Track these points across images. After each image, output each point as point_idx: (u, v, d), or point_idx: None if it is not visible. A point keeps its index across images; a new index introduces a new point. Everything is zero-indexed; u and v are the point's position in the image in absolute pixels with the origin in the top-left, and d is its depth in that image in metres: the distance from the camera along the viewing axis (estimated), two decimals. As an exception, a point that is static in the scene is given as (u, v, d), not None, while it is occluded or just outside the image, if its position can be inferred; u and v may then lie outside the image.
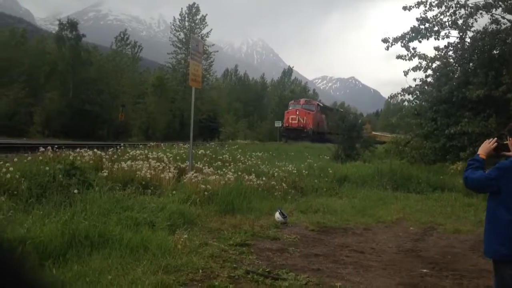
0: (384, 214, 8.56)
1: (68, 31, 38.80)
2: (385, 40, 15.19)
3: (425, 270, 5.14)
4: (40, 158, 7.55)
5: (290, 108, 42.76)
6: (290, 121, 40.49)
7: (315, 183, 11.41)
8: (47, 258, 3.98)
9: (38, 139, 28.61)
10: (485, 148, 3.10)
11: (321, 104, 46.38)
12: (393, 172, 12.77)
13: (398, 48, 15.41)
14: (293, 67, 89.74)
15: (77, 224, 4.68)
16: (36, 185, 6.00)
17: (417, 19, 14.92)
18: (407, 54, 15.17)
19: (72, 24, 38.96)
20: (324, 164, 15.11)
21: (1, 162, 6.55)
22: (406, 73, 15.40)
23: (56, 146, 8.95)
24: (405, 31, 15.10)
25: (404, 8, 15.05)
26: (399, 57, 15.21)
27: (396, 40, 15.02)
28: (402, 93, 15.86)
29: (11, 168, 6.01)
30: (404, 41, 14.99)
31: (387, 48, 15.28)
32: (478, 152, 3.13)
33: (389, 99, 19.28)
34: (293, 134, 38.46)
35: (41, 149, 8.40)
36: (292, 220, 7.45)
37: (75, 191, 6.09)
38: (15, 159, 7.03)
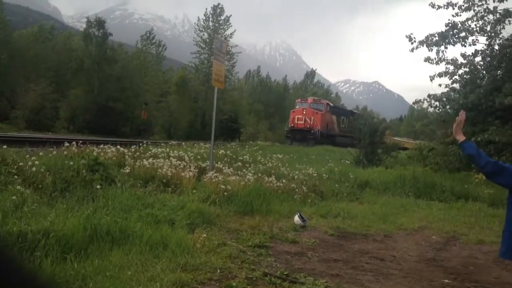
0: (406, 221, 8.43)
1: (95, 29, 39.43)
2: (409, 38, 14.92)
3: (446, 281, 5.03)
4: (65, 153, 7.70)
5: (297, 107, 39.31)
6: (296, 121, 37.02)
7: (336, 188, 11.33)
8: (69, 251, 4.04)
9: (63, 134, 29.19)
10: None
11: (331, 104, 42.84)
12: (416, 179, 12.59)
13: (424, 53, 15.18)
14: (316, 69, 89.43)
15: (99, 219, 4.73)
16: (60, 179, 6.10)
17: (446, 25, 14.67)
18: (435, 58, 14.92)
19: (99, 22, 39.60)
20: (345, 168, 14.98)
21: (28, 156, 6.69)
22: (432, 78, 15.15)
23: (80, 141, 9.10)
24: (431, 33, 14.84)
25: (432, 5, 14.74)
26: (427, 59, 14.95)
27: (422, 42, 14.77)
28: (427, 99, 15.60)
29: (36, 162, 6.12)
30: (429, 43, 14.72)
31: (412, 50, 15.04)
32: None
33: (413, 105, 19.04)
34: (299, 136, 35.51)
35: (66, 144, 8.56)
36: (311, 224, 7.40)
37: (98, 186, 6.17)
38: (41, 153, 7.16)
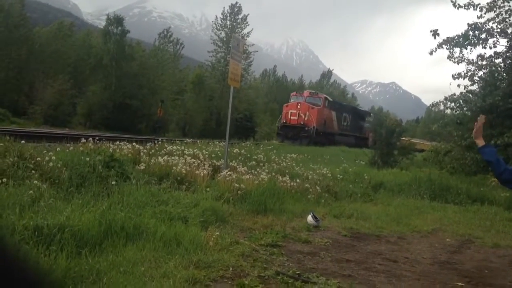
0: (420, 223, 8.35)
1: (114, 27, 39.85)
2: (434, 33, 14.71)
3: (460, 284, 4.98)
4: (81, 149, 7.80)
5: (291, 101, 34.79)
6: (289, 117, 32.92)
7: (350, 188, 11.27)
8: (84, 246, 4.10)
9: (80, 130, 29.57)
10: None
11: (330, 99, 38.15)
12: (431, 181, 12.45)
13: (444, 54, 15.00)
14: (332, 69, 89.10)
15: (114, 215, 4.79)
16: (76, 174, 6.18)
17: (469, 25, 14.45)
18: (457, 56, 14.74)
19: (118, 20, 40.04)
20: (360, 169, 14.89)
21: (45, 151, 6.79)
22: (455, 77, 14.94)
23: (97, 138, 9.22)
24: (454, 34, 14.65)
25: (454, 4, 14.56)
26: (450, 56, 14.76)
27: (444, 42, 14.58)
28: (444, 101, 15.42)
29: (53, 157, 6.22)
30: (452, 43, 14.54)
31: (435, 50, 14.84)
32: None
33: (430, 107, 18.84)
34: (291, 133, 31.71)
35: (83, 140, 8.68)
36: (324, 224, 7.38)
37: (113, 182, 6.25)
38: (58, 149, 7.28)
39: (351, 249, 6.07)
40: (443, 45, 14.70)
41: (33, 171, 5.75)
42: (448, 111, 16.39)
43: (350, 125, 39.73)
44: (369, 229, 7.41)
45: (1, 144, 6.16)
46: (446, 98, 15.32)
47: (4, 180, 5.12)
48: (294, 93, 37.45)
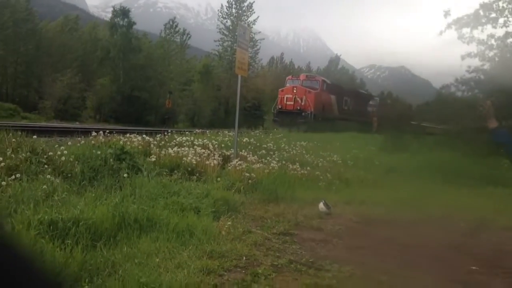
0: (433, 208, 8.30)
1: (120, 18, 39.83)
2: (446, 13, 14.53)
3: (474, 267, 4.96)
4: (93, 142, 7.85)
5: (287, 85, 32.97)
6: (285, 102, 31.36)
7: (361, 174, 11.24)
8: (98, 239, 4.15)
9: (90, 123, 29.76)
10: None
11: (329, 82, 35.93)
12: (443, 165, 12.38)
13: (453, 35, 14.84)
14: (340, 55, 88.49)
15: (127, 207, 4.83)
16: (88, 168, 6.23)
17: (481, 5, 14.23)
18: (467, 36, 14.57)
19: (124, 12, 39.99)
20: (370, 155, 14.84)
21: (57, 146, 6.85)
22: (464, 57, 14.78)
23: (107, 131, 9.27)
24: (463, 15, 14.47)
25: None
26: (460, 37, 14.60)
27: (455, 22, 14.39)
28: (455, 83, 15.26)
29: (65, 152, 6.26)
30: (461, 25, 14.35)
31: (443, 31, 14.66)
32: None
33: (441, 89, 18.61)
34: (288, 119, 29.91)
35: (93, 133, 8.73)
36: (336, 211, 7.37)
37: (125, 175, 6.29)
38: (69, 143, 7.33)
39: (363, 235, 6.07)
40: (452, 26, 14.53)
41: (45, 166, 5.80)
42: (459, 93, 16.22)
43: (352, 109, 38.09)
44: (381, 215, 7.39)
45: (14, 139, 6.22)
46: (457, 80, 15.16)
47: (18, 175, 5.18)
48: (290, 76, 35.82)
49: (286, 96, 31.43)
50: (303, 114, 30.00)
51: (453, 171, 12.02)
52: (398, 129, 18.68)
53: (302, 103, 30.33)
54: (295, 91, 30.88)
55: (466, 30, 14.44)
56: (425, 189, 10.48)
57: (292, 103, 30.63)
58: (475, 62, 15.08)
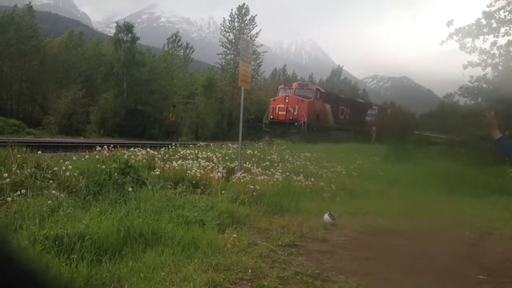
0: (438, 217, 8.27)
1: (123, 34, 40.18)
2: (449, 23, 14.60)
3: (481, 277, 4.93)
4: (97, 157, 7.89)
5: (279, 94, 31.61)
6: (277, 112, 29.86)
7: (365, 185, 11.22)
8: (104, 253, 4.15)
9: (94, 138, 29.87)
10: None
11: (322, 90, 34.30)
12: (447, 175, 12.35)
13: (455, 44, 14.89)
14: (342, 66, 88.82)
15: (132, 221, 4.84)
16: (93, 182, 6.25)
17: (483, 13, 14.30)
18: (469, 46, 14.62)
19: (127, 27, 40.34)
20: (374, 165, 14.82)
21: (61, 161, 6.89)
22: (466, 67, 14.81)
23: (111, 145, 9.31)
24: (465, 25, 14.53)
25: None
26: (462, 47, 14.64)
27: (457, 32, 14.46)
28: (458, 92, 15.28)
29: (70, 166, 6.30)
30: (463, 34, 14.41)
31: (444, 41, 14.71)
32: None
33: (444, 98, 18.57)
34: (280, 130, 28.52)
35: (98, 148, 8.77)
36: (341, 222, 7.35)
37: (130, 189, 6.30)
38: (74, 158, 7.36)
39: (369, 246, 6.04)
40: (454, 36, 14.60)
41: (50, 181, 5.83)
42: (462, 102, 16.24)
43: (349, 118, 36.92)
44: (386, 226, 7.36)
45: (19, 155, 6.27)
46: (461, 88, 15.16)
47: (23, 191, 5.20)
48: (282, 85, 34.47)
49: (278, 106, 30.19)
50: (295, 124, 28.72)
51: (457, 181, 11.99)
52: (402, 139, 18.65)
53: (295, 113, 29.05)
54: (287, 100, 29.57)
55: (467, 40, 14.51)
56: (430, 199, 10.44)
57: (284, 113, 29.35)
58: (478, 71, 15.12)
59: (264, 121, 30.19)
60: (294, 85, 32.62)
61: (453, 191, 11.53)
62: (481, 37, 14.53)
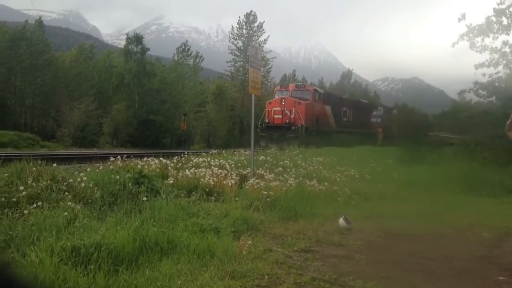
0: (455, 219, 8.17)
1: (134, 45, 40.57)
2: (462, 17, 14.44)
3: (501, 278, 4.84)
4: (111, 167, 7.95)
5: (275, 96, 29.79)
6: (273, 115, 28.21)
7: (379, 188, 11.13)
8: (120, 263, 4.16)
9: (108, 149, 30.12)
10: None
11: (321, 91, 32.48)
12: (463, 175, 12.20)
13: (466, 44, 14.75)
14: (352, 69, 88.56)
15: (147, 230, 4.86)
16: (108, 193, 6.30)
17: (494, 10, 14.14)
18: (479, 46, 14.45)
19: (137, 39, 40.73)
20: (388, 168, 14.71)
21: (76, 172, 6.95)
22: (477, 67, 14.65)
23: (125, 155, 9.38)
24: (475, 24, 14.38)
25: None
26: (471, 46, 14.48)
27: (468, 31, 14.30)
28: (474, 87, 15.06)
29: (85, 178, 6.35)
30: (474, 34, 14.26)
31: (456, 43, 14.57)
32: None
33: (458, 95, 18.25)
34: (276, 134, 27.25)
35: (111, 158, 8.84)
36: (356, 226, 7.29)
37: (144, 198, 6.34)
38: (88, 169, 7.44)
39: (386, 250, 5.98)
40: (465, 37, 14.46)
41: (66, 193, 5.88)
42: (475, 100, 16.03)
43: (352, 120, 35.28)
44: (402, 228, 7.29)
45: (34, 168, 6.33)
46: (476, 83, 14.94)
47: (39, 203, 5.26)
48: (278, 87, 32.81)
49: (274, 109, 28.36)
50: (292, 128, 27.08)
51: (473, 181, 11.84)
52: (416, 140, 18.49)
53: (292, 116, 27.40)
54: (283, 103, 27.79)
55: (478, 39, 14.35)
56: (446, 200, 10.33)
57: (280, 116, 27.65)
58: (490, 70, 14.93)
59: (259, 126, 28.10)
60: (291, 86, 30.80)
61: (470, 192, 11.40)
62: (491, 35, 14.39)
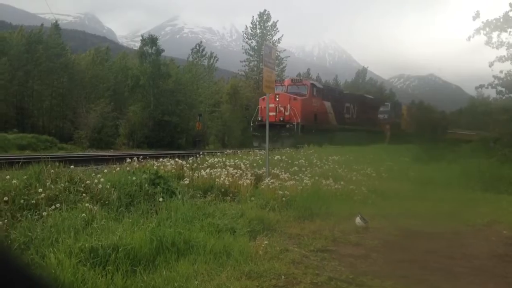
0: (474, 217, 8.05)
1: (148, 47, 40.84)
2: (475, 16, 14.22)
3: (523, 277, 4.76)
4: (128, 168, 8.02)
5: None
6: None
7: (396, 187, 11.02)
8: (137, 264, 4.20)
9: (124, 150, 30.39)
10: None
11: (319, 85, 30.27)
12: (482, 173, 12.02)
13: (482, 39, 14.50)
14: (367, 67, 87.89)
15: (164, 231, 4.88)
16: (125, 194, 6.36)
17: (510, 5, 13.88)
18: (495, 41, 14.20)
19: (152, 40, 40.98)
20: (405, 166, 14.57)
21: (93, 174, 7.03)
22: (491, 65, 14.41)
23: (141, 156, 9.46)
24: (492, 18, 14.13)
25: None
26: (487, 43, 14.24)
27: (484, 26, 14.05)
28: (492, 83, 14.78)
29: (102, 179, 6.42)
30: (490, 28, 14.01)
31: (472, 37, 14.34)
32: None
33: (476, 89, 17.89)
34: (270, 133, 22.58)
35: (128, 160, 8.92)
36: (373, 225, 7.23)
37: (160, 199, 6.39)
38: (105, 170, 7.51)
39: (404, 248, 5.92)
40: (481, 30, 14.22)
41: (83, 194, 5.95)
42: (493, 96, 15.76)
43: (357, 117, 33.20)
44: (420, 227, 7.21)
45: (52, 170, 6.41)
46: (495, 77, 14.65)
47: (58, 205, 5.33)
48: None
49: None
50: (287, 126, 25.03)
51: (492, 178, 11.65)
52: (433, 138, 18.26)
53: (286, 113, 25.28)
54: (277, 99, 25.39)
55: (494, 34, 14.09)
56: (464, 198, 10.19)
57: (274, 113, 25.16)
58: (507, 66, 14.64)
59: (251, 124, 26.28)
60: (287, 81, 28.34)
61: (488, 189, 11.22)
62: (509, 30, 14.11)
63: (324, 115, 28.55)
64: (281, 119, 25.09)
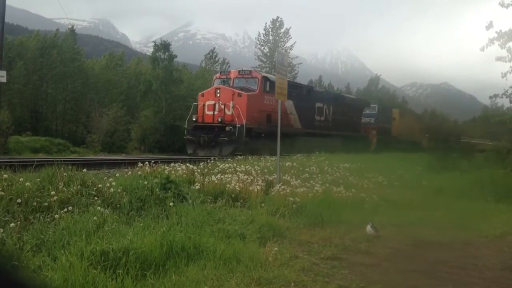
0: (487, 227, 7.94)
1: (161, 52, 41.14)
2: (488, 26, 14.09)
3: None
4: (139, 173, 8.07)
5: (214, 86, 22.62)
6: (204, 112, 21.11)
7: (408, 195, 10.93)
8: (148, 268, 4.21)
9: (136, 154, 30.56)
10: None
11: (272, 78, 18.60)
12: (495, 183, 11.86)
13: (497, 49, 14.34)
14: (380, 75, 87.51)
15: (174, 235, 4.90)
16: (136, 198, 6.40)
17: None
18: (507, 55, 14.02)
19: (165, 46, 41.26)
20: (417, 175, 14.45)
21: (105, 178, 7.08)
22: (504, 75, 14.23)
23: (152, 161, 9.51)
24: (507, 29, 13.98)
25: (502, 5, 13.98)
26: (498, 59, 14.10)
27: (499, 37, 13.90)
28: (506, 93, 14.59)
29: (113, 183, 6.47)
30: (505, 40, 13.87)
31: (485, 47, 14.20)
32: None
33: (490, 99, 17.64)
34: (206, 137, 20.13)
35: (139, 164, 8.97)
36: (384, 234, 7.17)
37: (171, 204, 6.41)
38: (117, 174, 7.57)
39: (414, 258, 5.87)
40: (495, 41, 14.06)
41: (95, 198, 5.99)
42: (507, 105, 15.54)
43: (332, 120, 28.32)
44: (432, 237, 7.14)
45: (65, 173, 6.48)
46: (511, 87, 14.45)
47: (70, 208, 5.37)
48: (218, 74, 24.20)
49: (207, 103, 21.15)
50: (227, 129, 19.98)
51: (506, 188, 11.49)
52: (446, 147, 18.08)
53: (228, 112, 20.30)
54: (218, 95, 20.74)
55: (509, 45, 13.91)
56: (477, 208, 10.06)
57: (212, 112, 20.66)
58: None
59: (185, 126, 22.05)
60: (233, 73, 22.95)
61: (502, 200, 11.06)
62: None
63: (283, 116, 21.06)
64: (219, 120, 20.33)
